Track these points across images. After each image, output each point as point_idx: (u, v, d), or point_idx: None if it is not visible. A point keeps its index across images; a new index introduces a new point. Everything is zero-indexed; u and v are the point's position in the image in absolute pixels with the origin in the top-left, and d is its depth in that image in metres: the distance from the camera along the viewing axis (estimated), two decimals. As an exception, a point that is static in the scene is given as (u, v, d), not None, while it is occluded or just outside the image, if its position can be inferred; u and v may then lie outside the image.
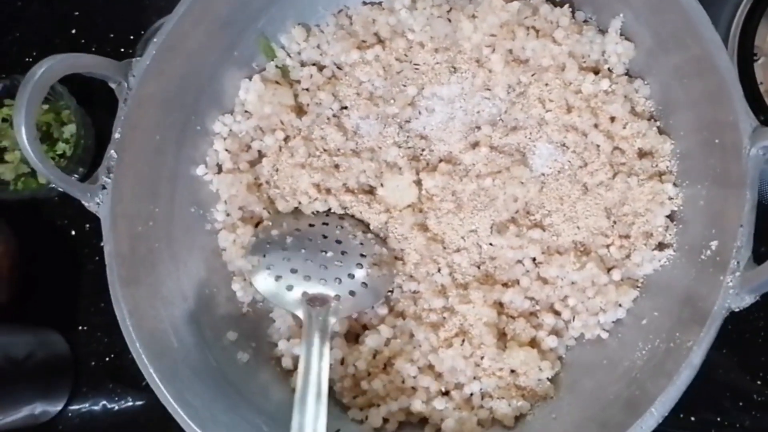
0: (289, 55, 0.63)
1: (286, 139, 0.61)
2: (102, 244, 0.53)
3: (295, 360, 0.57)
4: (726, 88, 0.48)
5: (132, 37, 0.72)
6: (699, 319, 0.47)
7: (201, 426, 0.50)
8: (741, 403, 0.62)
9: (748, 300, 0.46)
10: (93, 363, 0.69)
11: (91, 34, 0.73)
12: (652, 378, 0.48)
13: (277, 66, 0.62)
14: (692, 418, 0.62)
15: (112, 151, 0.53)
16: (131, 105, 0.54)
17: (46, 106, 0.69)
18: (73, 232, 0.70)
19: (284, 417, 0.54)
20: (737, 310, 0.46)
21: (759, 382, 0.63)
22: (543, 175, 0.57)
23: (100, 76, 0.54)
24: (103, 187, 0.53)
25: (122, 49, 0.72)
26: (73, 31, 0.73)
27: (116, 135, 0.54)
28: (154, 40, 0.54)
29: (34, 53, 0.73)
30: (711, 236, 0.50)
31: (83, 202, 0.53)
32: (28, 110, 0.49)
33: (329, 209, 0.60)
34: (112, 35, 0.73)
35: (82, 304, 0.69)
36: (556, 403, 0.55)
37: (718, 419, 0.62)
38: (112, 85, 0.55)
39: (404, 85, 0.60)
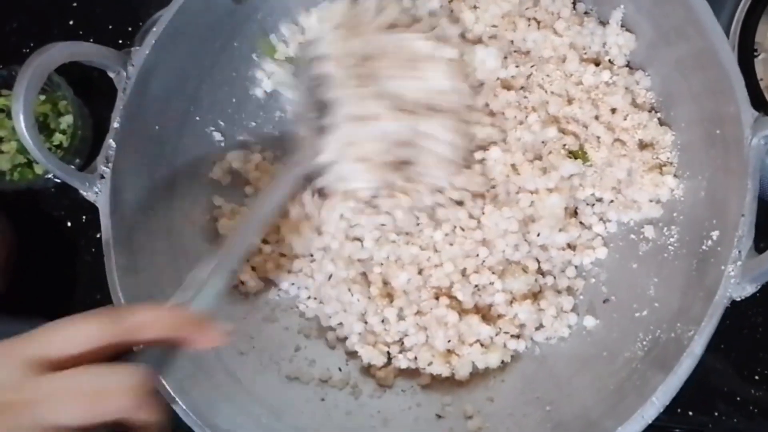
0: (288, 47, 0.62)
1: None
2: (99, 236, 0.52)
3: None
4: (727, 79, 0.48)
5: (130, 29, 0.72)
6: (700, 309, 0.46)
7: (200, 416, 0.49)
8: (738, 398, 0.62)
9: (749, 289, 0.46)
10: (89, 356, 0.68)
11: (90, 25, 0.73)
12: (653, 368, 0.48)
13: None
14: (690, 413, 0.62)
15: (111, 141, 0.53)
16: (130, 95, 0.54)
17: (42, 97, 0.68)
18: (70, 224, 0.70)
19: (284, 408, 0.54)
20: (738, 299, 0.46)
21: (756, 377, 0.63)
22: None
23: (100, 65, 0.54)
24: (102, 177, 0.53)
25: (120, 41, 0.71)
26: (71, 23, 0.73)
27: (115, 124, 0.53)
28: (154, 29, 0.54)
29: (32, 44, 0.72)
30: (712, 226, 0.50)
31: (81, 192, 0.53)
32: (26, 97, 0.48)
33: None
34: (110, 27, 0.72)
35: (78, 296, 0.69)
36: (556, 395, 0.54)
37: (716, 414, 0.62)
38: (111, 75, 0.54)
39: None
